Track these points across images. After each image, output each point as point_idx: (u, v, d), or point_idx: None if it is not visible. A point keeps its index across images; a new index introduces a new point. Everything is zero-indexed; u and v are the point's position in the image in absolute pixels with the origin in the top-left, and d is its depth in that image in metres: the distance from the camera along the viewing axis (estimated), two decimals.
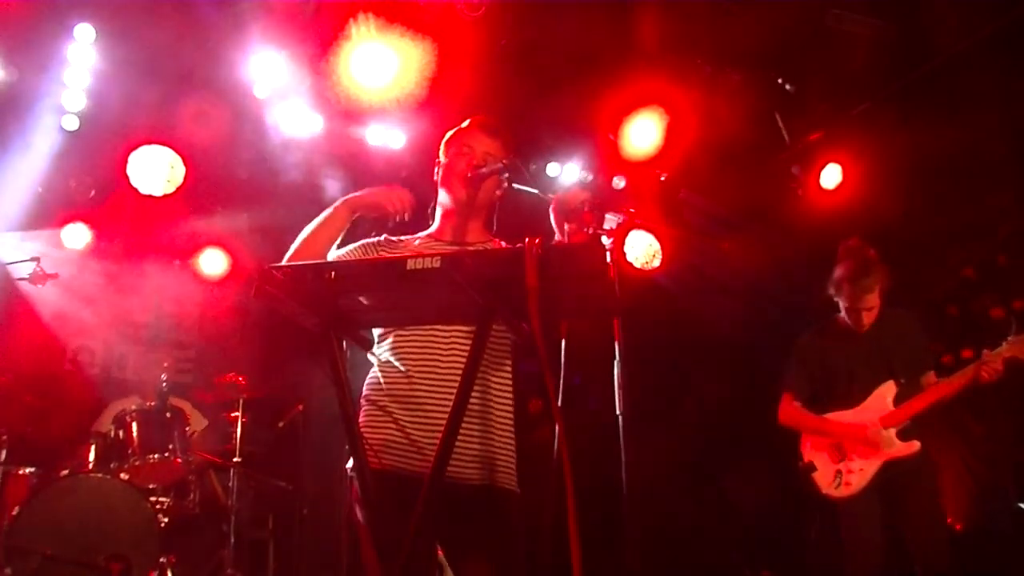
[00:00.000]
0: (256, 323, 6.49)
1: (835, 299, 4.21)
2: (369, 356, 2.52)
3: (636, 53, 5.02)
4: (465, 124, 2.71)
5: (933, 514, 4.03)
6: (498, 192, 2.66)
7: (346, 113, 5.52)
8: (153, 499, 4.61)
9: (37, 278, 4.98)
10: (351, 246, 2.63)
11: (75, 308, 6.24)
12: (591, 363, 2.63)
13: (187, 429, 5.19)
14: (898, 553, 3.94)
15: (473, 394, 2.12)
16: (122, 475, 4.65)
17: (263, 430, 5.68)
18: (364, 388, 2.53)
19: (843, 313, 4.20)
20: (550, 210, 2.45)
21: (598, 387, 2.80)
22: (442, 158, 2.71)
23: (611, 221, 2.45)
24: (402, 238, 2.70)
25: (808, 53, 5.10)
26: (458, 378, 1.92)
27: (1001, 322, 4.65)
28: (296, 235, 2.59)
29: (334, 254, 2.59)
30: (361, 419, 2.45)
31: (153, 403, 5.14)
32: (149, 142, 5.59)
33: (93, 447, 4.93)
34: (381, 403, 2.44)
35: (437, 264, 1.82)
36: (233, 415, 5.34)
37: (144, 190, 5.62)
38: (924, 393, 4.01)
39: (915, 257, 5.26)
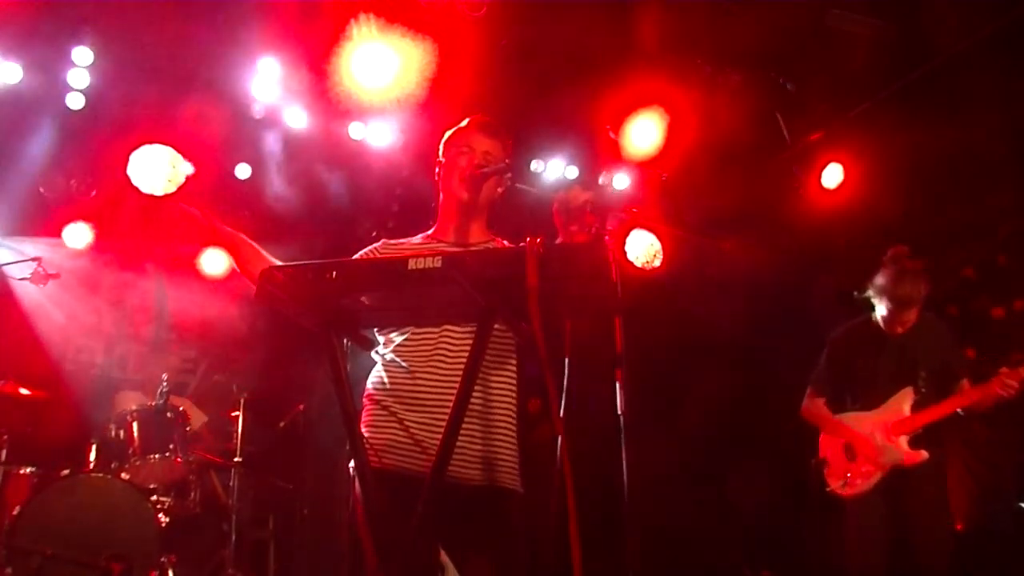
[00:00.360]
0: (257, 323, 6.48)
1: (872, 300, 4.22)
2: (373, 355, 2.52)
3: (636, 53, 5.01)
4: (464, 124, 2.71)
5: (938, 517, 4.03)
6: (499, 190, 2.66)
7: (346, 113, 5.52)
8: (154, 499, 4.60)
9: (38, 278, 4.98)
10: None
11: (76, 308, 6.24)
12: (591, 363, 2.63)
13: (187, 429, 5.19)
14: (902, 554, 3.95)
15: (475, 394, 2.12)
16: (123, 475, 4.65)
17: (264, 430, 5.68)
18: (367, 387, 2.53)
19: (879, 317, 4.22)
20: (553, 210, 2.45)
21: (598, 387, 2.80)
22: (442, 158, 2.71)
23: (613, 221, 2.45)
24: (400, 241, 2.70)
25: (808, 53, 5.10)
26: None
27: (1001, 322, 4.65)
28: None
29: None
30: (364, 418, 2.45)
31: (153, 403, 5.14)
32: (150, 141, 5.57)
33: (93, 447, 4.93)
34: (385, 403, 2.44)
35: (438, 264, 1.82)
36: (234, 415, 5.34)
37: (145, 190, 5.60)
38: (940, 404, 4.02)
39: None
